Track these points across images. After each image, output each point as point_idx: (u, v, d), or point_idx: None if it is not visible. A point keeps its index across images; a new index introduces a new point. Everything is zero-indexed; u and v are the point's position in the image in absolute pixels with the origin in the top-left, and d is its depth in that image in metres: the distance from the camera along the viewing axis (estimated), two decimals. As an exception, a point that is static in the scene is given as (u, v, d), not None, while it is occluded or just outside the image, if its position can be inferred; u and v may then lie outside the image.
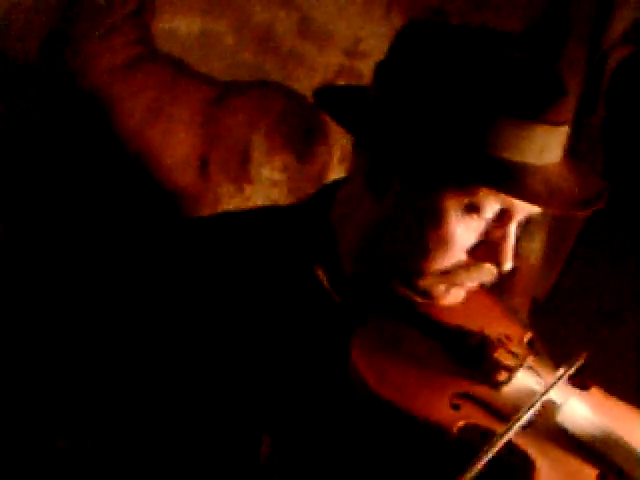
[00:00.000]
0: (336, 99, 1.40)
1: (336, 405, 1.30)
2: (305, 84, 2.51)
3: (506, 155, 1.27)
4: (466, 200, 1.29)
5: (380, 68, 1.35)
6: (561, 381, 1.31)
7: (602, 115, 2.76)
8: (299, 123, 2.51)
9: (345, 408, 1.29)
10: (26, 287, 2.25)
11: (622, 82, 2.74)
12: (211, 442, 1.31)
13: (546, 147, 1.28)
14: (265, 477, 1.30)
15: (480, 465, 1.17)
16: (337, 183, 1.43)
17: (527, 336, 1.42)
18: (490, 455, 1.18)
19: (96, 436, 1.37)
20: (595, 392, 1.39)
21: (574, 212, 1.40)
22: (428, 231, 1.31)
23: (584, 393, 1.38)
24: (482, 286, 1.39)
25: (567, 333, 2.04)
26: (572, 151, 2.63)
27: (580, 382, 1.38)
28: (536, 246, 2.73)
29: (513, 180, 1.26)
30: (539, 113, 1.27)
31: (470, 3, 2.58)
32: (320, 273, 1.38)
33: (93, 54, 2.35)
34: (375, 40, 2.60)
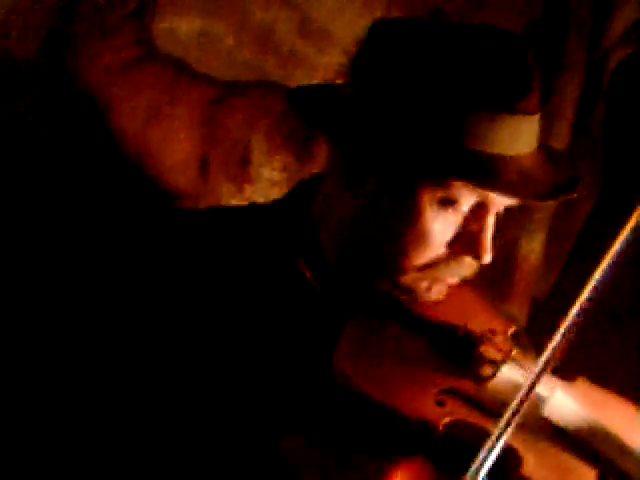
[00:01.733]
0: (309, 98, 1.40)
1: (320, 400, 1.31)
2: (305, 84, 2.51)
3: (478, 147, 1.27)
4: (441, 194, 1.30)
5: (352, 65, 1.36)
6: (545, 373, 1.31)
7: (602, 115, 2.76)
8: (299, 123, 2.51)
9: (330, 403, 1.30)
10: (24, 285, 2.25)
11: (622, 82, 2.73)
12: (198, 431, 1.32)
13: (518, 137, 1.29)
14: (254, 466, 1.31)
15: (484, 465, 1.17)
16: (316, 178, 1.44)
17: (511, 329, 1.43)
18: (493, 455, 1.18)
19: (94, 440, 1.37)
20: (581, 383, 1.39)
21: (546, 201, 1.41)
22: (405, 227, 1.32)
23: (570, 385, 1.38)
24: (466, 281, 1.40)
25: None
26: (572, 151, 2.63)
27: (566, 373, 1.39)
28: (536, 246, 2.73)
29: (485, 171, 1.27)
30: (509, 103, 1.27)
31: (470, 3, 2.57)
32: (304, 267, 1.38)
33: (93, 54, 2.34)
34: (375, 40, 2.59)
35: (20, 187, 2.33)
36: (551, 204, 2.70)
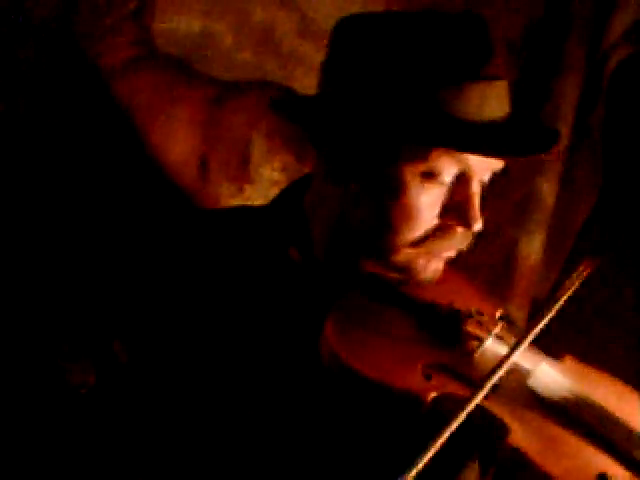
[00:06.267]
0: (290, 102, 1.50)
1: (310, 382, 1.34)
2: (305, 84, 2.51)
3: (451, 114, 1.32)
4: (422, 167, 1.34)
5: (324, 65, 1.44)
6: (528, 346, 1.34)
7: (602, 115, 2.77)
8: (299, 123, 2.51)
9: (319, 385, 1.32)
10: (26, 280, 2.26)
11: (622, 82, 2.74)
12: (189, 419, 1.35)
13: (486, 102, 1.34)
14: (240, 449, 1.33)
15: (449, 430, 1.19)
16: (307, 177, 1.49)
17: (499, 312, 1.46)
18: (460, 419, 1.20)
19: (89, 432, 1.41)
20: (569, 361, 1.43)
21: (515, 157, 1.44)
22: (391, 205, 1.36)
23: (557, 361, 1.41)
24: (458, 267, 1.43)
25: (567, 333, 2.05)
26: (572, 150, 2.62)
27: (553, 352, 1.42)
28: (536, 246, 2.73)
29: (456, 135, 1.32)
30: (471, 71, 1.33)
31: (470, 3, 2.58)
32: (295, 254, 1.41)
33: (93, 54, 2.35)
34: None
35: (21, 187, 2.33)
36: (550, 204, 2.71)
